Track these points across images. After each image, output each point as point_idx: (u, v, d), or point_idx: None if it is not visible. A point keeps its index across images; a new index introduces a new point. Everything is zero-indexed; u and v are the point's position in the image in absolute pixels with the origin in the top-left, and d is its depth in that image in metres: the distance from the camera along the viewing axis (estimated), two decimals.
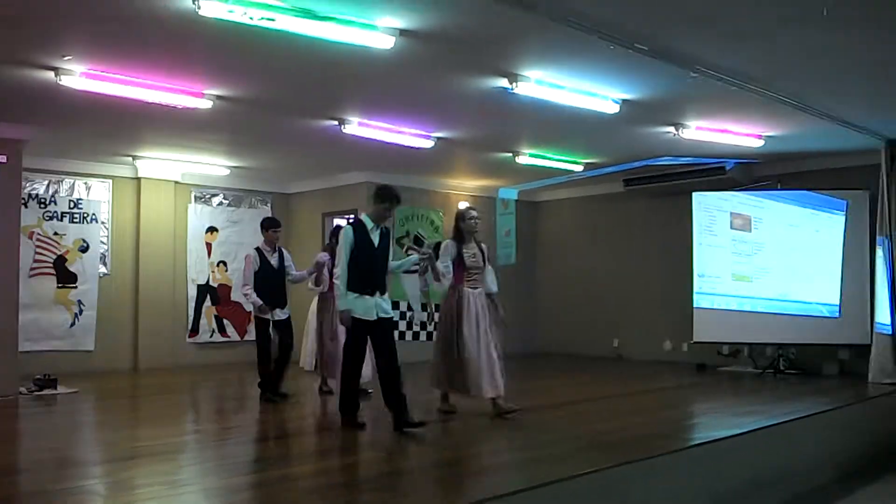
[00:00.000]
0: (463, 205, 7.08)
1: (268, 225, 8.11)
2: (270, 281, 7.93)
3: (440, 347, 6.86)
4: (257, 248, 8.03)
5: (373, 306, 6.11)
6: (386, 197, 6.20)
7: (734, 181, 10.81)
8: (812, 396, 8.15)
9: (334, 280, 6.20)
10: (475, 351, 6.64)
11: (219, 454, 5.70)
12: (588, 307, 13.17)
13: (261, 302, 7.82)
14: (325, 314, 8.19)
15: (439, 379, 6.87)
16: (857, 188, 10.18)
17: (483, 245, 7.06)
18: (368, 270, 6.13)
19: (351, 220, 6.61)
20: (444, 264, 6.74)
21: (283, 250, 8.25)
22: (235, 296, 12.14)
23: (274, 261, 8.01)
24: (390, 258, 6.44)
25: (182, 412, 7.91)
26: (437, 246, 7.34)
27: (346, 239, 6.13)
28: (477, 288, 6.85)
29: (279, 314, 8.00)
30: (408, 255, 7.00)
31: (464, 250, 6.82)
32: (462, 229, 6.90)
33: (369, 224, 6.21)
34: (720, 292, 10.71)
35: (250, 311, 12.13)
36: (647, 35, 5.80)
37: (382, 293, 6.21)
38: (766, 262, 10.65)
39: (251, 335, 12.13)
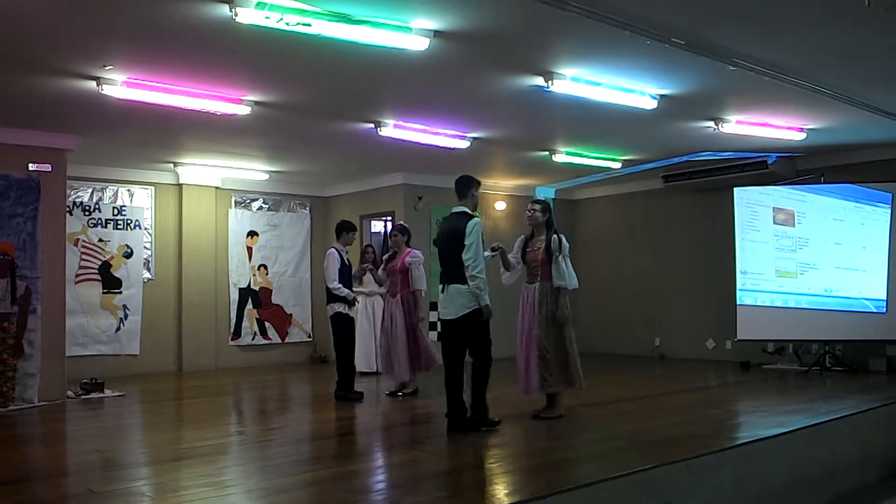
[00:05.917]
0: None
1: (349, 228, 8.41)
2: (347, 279, 8.23)
3: None
4: (336, 248, 8.27)
5: None
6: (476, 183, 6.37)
7: (776, 175, 10.63)
8: (858, 394, 8.01)
9: (473, 273, 5.96)
10: (518, 347, 6.72)
11: (262, 455, 5.77)
12: (628, 306, 13.06)
13: (353, 294, 8.09)
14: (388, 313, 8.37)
15: None
16: None
17: (558, 236, 6.68)
18: None
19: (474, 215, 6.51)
20: (514, 256, 6.85)
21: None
22: (277, 298, 12.33)
23: (346, 260, 8.27)
24: None
25: (226, 414, 8.00)
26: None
27: (481, 231, 6.11)
28: (533, 283, 6.75)
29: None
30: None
31: (528, 244, 6.87)
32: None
33: None
34: (764, 289, 10.56)
35: (291, 314, 12.48)
36: (685, 29, 5.73)
37: None
38: (810, 257, 10.47)
39: (292, 337, 12.44)
